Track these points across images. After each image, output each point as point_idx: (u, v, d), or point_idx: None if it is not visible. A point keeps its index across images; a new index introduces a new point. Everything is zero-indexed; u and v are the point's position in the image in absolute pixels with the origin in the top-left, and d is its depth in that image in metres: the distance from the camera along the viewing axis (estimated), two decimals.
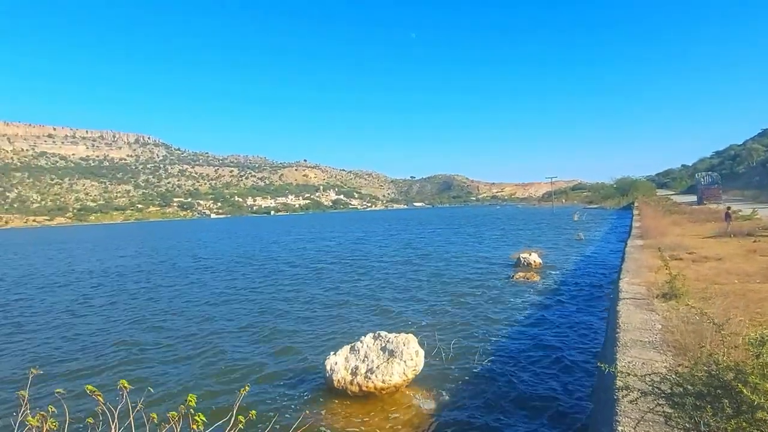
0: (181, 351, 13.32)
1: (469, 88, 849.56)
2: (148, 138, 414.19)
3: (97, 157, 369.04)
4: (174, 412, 3.13)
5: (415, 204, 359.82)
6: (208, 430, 3.43)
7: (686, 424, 3.25)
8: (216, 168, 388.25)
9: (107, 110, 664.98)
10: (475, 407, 8.85)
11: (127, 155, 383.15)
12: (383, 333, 10.16)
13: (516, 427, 8.12)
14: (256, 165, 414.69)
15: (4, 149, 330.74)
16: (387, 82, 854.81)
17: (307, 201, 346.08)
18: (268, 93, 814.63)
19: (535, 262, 25.06)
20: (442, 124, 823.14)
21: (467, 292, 19.60)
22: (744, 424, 2.89)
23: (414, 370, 9.65)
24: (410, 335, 10.11)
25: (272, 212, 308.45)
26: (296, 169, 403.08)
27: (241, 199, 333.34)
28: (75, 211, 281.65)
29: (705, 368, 3.39)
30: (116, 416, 3.23)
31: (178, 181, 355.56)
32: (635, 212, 46.85)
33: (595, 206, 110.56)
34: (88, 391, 3.14)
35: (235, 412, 3.41)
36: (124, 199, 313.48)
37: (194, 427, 3.06)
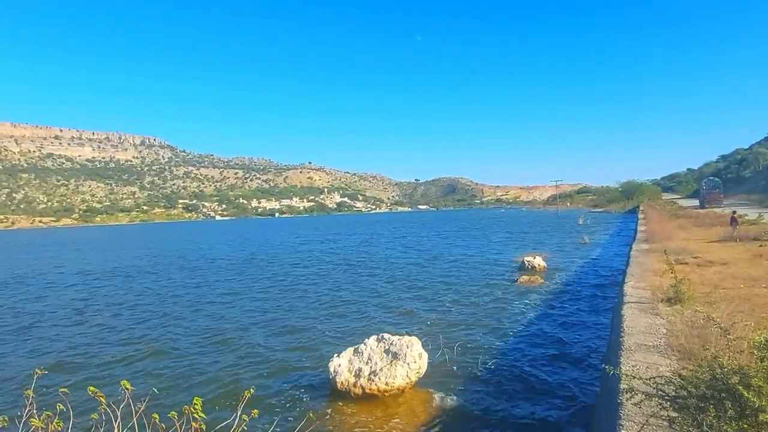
0: (185, 351, 13.36)
1: (474, 91, 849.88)
2: (154, 140, 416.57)
3: (103, 158, 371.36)
4: (173, 413, 3.15)
5: (420, 207, 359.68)
6: (212, 431, 3.44)
7: (690, 428, 3.24)
8: (221, 170, 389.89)
9: (113, 112, 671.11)
10: (478, 410, 8.84)
11: (133, 157, 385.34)
12: (387, 335, 10.16)
13: (519, 431, 8.10)
14: (261, 167, 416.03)
15: (11, 150, 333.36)
16: (392, 85, 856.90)
17: (312, 203, 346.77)
18: (273, 96, 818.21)
19: (539, 265, 25.00)
20: (447, 127, 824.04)
21: (471, 295, 19.58)
22: (747, 427, 2.88)
23: (417, 372, 9.64)
24: (414, 338, 10.11)
25: (277, 214, 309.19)
26: (301, 172, 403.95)
27: (245, 201, 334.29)
28: (81, 212, 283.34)
29: (709, 371, 3.38)
30: (119, 416, 3.25)
31: (184, 182, 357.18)
32: (640, 216, 46.61)
33: (600, 210, 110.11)
34: (90, 393, 3.15)
35: (239, 414, 3.43)
36: (129, 200, 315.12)
37: (195, 425, 3.07)
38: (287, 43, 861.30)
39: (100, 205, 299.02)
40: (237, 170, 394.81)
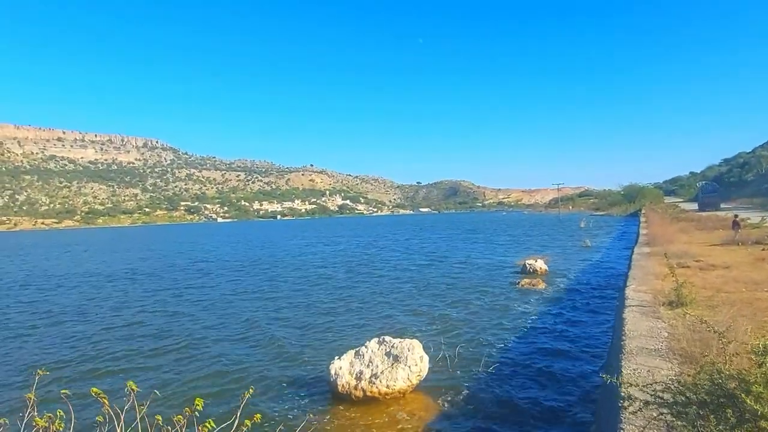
0: (187, 352, 13.39)
1: (475, 94, 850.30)
2: (157, 142, 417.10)
3: (106, 160, 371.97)
4: (179, 416, 3.17)
5: (421, 209, 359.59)
6: None
7: None
8: (223, 172, 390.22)
9: (116, 114, 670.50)
10: (479, 414, 8.83)
11: (136, 159, 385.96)
12: (388, 338, 10.17)
13: None
14: (263, 169, 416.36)
15: (14, 152, 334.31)
16: (393, 88, 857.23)
17: (314, 206, 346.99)
18: (275, 98, 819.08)
19: (541, 268, 24.98)
20: (449, 130, 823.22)
21: (473, 298, 19.57)
22: None
23: (418, 375, 9.64)
24: (415, 340, 10.12)
25: (279, 217, 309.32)
26: (303, 174, 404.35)
27: (247, 204, 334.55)
28: (83, 214, 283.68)
29: (708, 377, 3.38)
30: (122, 418, 3.26)
31: (186, 185, 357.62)
32: (642, 219, 46.58)
33: (602, 213, 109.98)
34: (93, 394, 3.17)
35: (239, 415, 3.44)
36: (131, 202, 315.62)
37: (200, 428, 3.09)
38: (289, 45, 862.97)
39: (103, 207, 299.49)
40: (239, 172, 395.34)
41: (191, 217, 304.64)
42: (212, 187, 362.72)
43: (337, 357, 10.09)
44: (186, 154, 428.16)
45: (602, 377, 4.44)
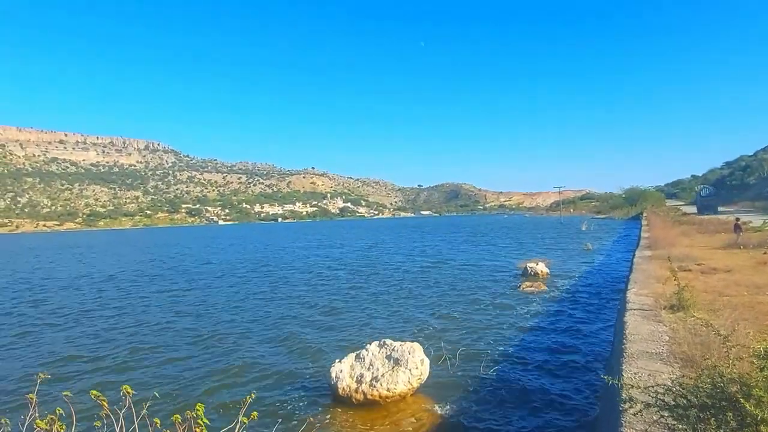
0: (188, 355, 13.37)
1: (476, 97, 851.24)
2: (158, 144, 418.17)
3: (107, 163, 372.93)
4: (178, 416, 3.17)
5: (423, 212, 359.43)
6: None
7: None
8: (224, 175, 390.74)
9: (118, 117, 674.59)
10: (480, 417, 8.81)
11: (137, 161, 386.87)
12: (389, 341, 10.15)
13: None
14: (264, 172, 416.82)
15: (16, 155, 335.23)
16: (395, 91, 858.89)
17: (315, 208, 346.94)
18: (277, 100, 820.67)
19: (542, 271, 24.94)
20: (451, 133, 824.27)
21: (473, 301, 19.54)
22: None
23: (419, 378, 9.62)
24: (415, 343, 10.09)
25: (280, 219, 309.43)
26: (304, 177, 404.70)
27: (248, 206, 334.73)
28: (84, 216, 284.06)
29: (709, 380, 3.37)
30: (121, 419, 3.27)
31: (187, 187, 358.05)
32: (644, 222, 46.56)
33: (604, 216, 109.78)
34: (92, 396, 3.17)
35: (240, 418, 3.44)
36: (133, 204, 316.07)
37: (197, 430, 3.09)
38: (290, 48, 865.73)
39: (104, 210, 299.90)
40: (240, 175, 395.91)
41: (192, 219, 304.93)
42: (213, 190, 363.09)
43: (337, 360, 10.07)
44: (187, 156, 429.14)
45: (604, 378, 4.44)
